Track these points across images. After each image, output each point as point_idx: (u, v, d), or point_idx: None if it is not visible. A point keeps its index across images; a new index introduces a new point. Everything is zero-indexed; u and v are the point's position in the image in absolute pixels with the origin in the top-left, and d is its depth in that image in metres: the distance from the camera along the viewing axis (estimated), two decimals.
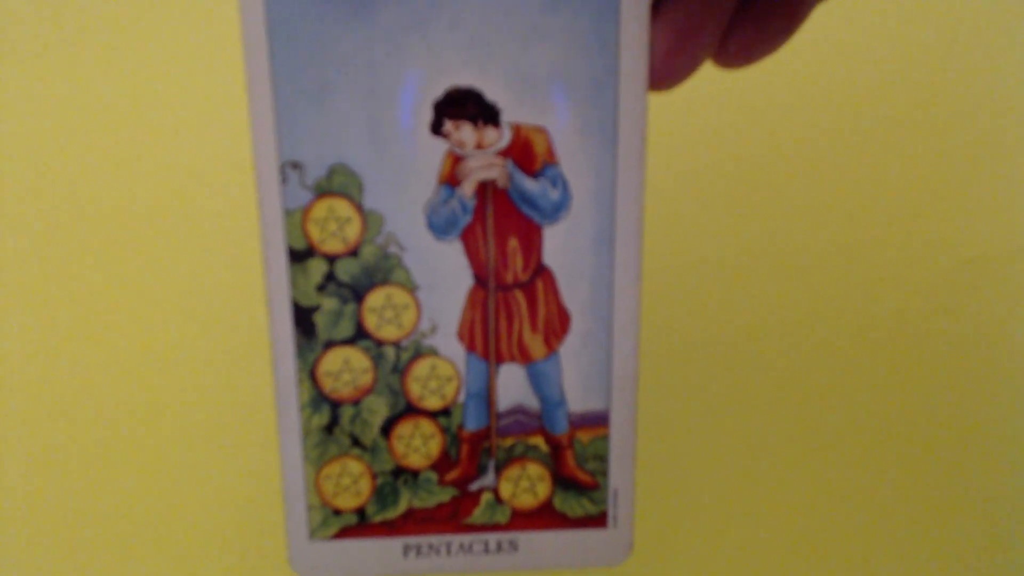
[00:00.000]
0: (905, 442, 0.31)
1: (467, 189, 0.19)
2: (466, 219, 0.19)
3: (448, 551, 0.21)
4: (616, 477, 0.21)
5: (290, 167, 0.18)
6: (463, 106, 0.18)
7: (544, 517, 0.21)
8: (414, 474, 0.20)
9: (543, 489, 0.21)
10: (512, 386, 0.20)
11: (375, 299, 0.19)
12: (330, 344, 0.19)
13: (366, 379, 0.20)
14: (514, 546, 0.21)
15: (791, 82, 0.31)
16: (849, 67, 0.32)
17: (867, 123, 0.32)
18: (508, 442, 0.20)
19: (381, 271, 0.19)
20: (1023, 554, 0.30)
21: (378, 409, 0.20)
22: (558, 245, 0.19)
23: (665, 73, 0.19)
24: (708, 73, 0.20)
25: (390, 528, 0.20)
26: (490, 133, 0.18)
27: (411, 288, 0.19)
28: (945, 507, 0.30)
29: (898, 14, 0.32)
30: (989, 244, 0.31)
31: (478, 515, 0.21)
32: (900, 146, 0.31)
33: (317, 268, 0.19)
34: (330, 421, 0.20)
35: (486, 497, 0.21)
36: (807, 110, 0.31)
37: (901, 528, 0.30)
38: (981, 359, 0.31)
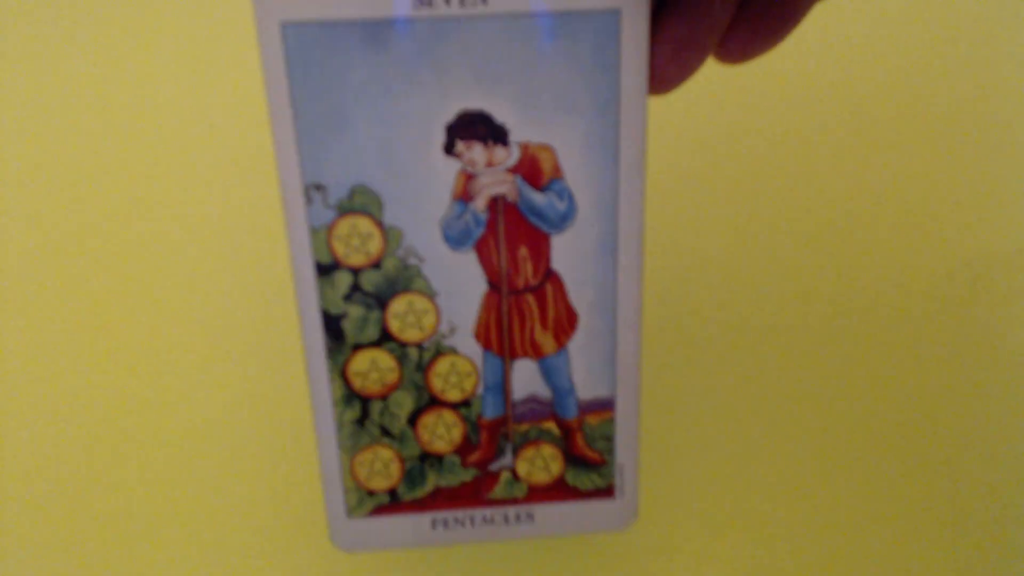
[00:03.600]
0: (904, 442, 0.31)
1: (479, 204, 0.20)
2: (479, 231, 0.20)
3: (472, 523, 0.23)
4: (622, 454, 0.23)
5: (314, 189, 0.20)
6: (474, 128, 0.19)
7: (558, 491, 0.23)
8: (439, 458, 0.22)
9: (556, 467, 0.23)
10: (525, 378, 0.22)
11: (398, 306, 0.21)
12: (358, 347, 0.21)
13: (392, 377, 0.22)
14: (531, 517, 0.23)
15: (790, 83, 0.31)
16: (849, 68, 0.32)
17: (867, 124, 0.32)
18: (523, 427, 0.22)
19: (402, 280, 0.21)
20: (1023, 554, 0.30)
21: (404, 403, 0.22)
22: (565, 252, 0.21)
23: (664, 79, 0.20)
24: (706, 77, 0.21)
25: (420, 505, 0.23)
26: (499, 152, 0.20)
27: (430, 295, 0.21)
28: (945, 505, 0.31)
29: (899, 13, 0.32)
30: (989, 244, 0.31)
31: (498, 491, 0.23)
32: (900, 146, 0.32)
33: (343, 280, 0.21)
34: (361, 415, 0.22)
35: (505, 475, 0.23)
36: (806, 111, 0.32)
37: (898, 523, 0.31)
38: (981, 359, 0.31)
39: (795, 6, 0.20)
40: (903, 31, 0.32)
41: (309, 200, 0.20)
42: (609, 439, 0.23)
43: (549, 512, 0.23)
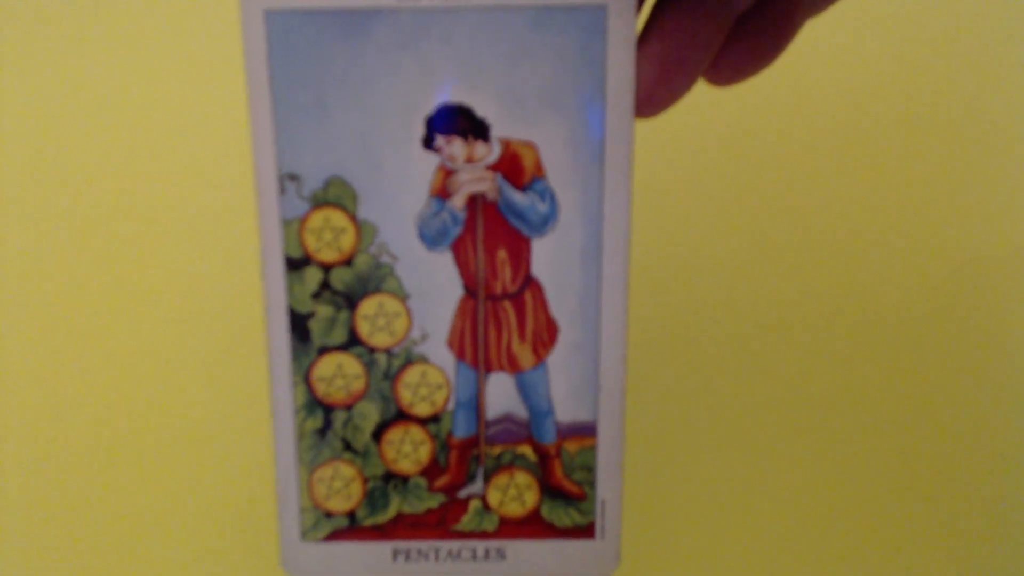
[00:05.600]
0: (904, 444, 0.31)
1: (457, 202, 0.19)
2: (456, 231, 0.19)
3: (436, 557, 0.21)
4: (604, 488, 0.21)
5: (288, 179, 0.19)
6: (454, 121, 0.19)
7: (532, 526, 0.21)
8: (404, 480, 0.21)
9: (531, 498, 0.21)
10: (501, 395, 0.20)
11: (368, 307, 0.20)
12: (324, 350, 0.20)
13: (358, 384, 0.20)
14: (501, 554, 0.21)
15: (787, 83, 0.31)
16: (848, 66, 0.32)
17: (866, 123, 0.31)
18: (496, 450, 0.21)
19: (374, 280, 0.20)
20: (1023, 554, 0.29)
21: (370, 414, 0.20)
22: (546, 257, 0.20)
23: (649, 103, 0.19)
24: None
25: (380, 532, 0.21)
26: (480, 148, 0.19)
27: (402, 297, 0.20)
28: (944, 508, 0.30)
29: (898, 10, 0.32)
30: (989, 244, 0.31)
31: (466, 522, 0.21)
32: (900, 147, 0.31)
33: (313, 276, 0.20)
34: (323, 425, 0.20)
35: (474, 504, 0.21)
36: (802, 109, 0.31)
37: (898, 533, 0.30)
38: (981, 359, 0.31)
39: (788, 23, 0.20)
40: (902, 28, 0.32)
41: (283, 190, 0.19)
42: (590, 469, 0.21)
43: (522, 550, 0.21)
